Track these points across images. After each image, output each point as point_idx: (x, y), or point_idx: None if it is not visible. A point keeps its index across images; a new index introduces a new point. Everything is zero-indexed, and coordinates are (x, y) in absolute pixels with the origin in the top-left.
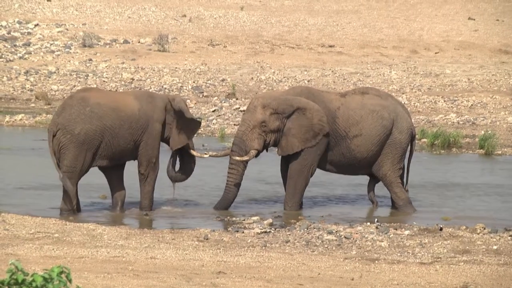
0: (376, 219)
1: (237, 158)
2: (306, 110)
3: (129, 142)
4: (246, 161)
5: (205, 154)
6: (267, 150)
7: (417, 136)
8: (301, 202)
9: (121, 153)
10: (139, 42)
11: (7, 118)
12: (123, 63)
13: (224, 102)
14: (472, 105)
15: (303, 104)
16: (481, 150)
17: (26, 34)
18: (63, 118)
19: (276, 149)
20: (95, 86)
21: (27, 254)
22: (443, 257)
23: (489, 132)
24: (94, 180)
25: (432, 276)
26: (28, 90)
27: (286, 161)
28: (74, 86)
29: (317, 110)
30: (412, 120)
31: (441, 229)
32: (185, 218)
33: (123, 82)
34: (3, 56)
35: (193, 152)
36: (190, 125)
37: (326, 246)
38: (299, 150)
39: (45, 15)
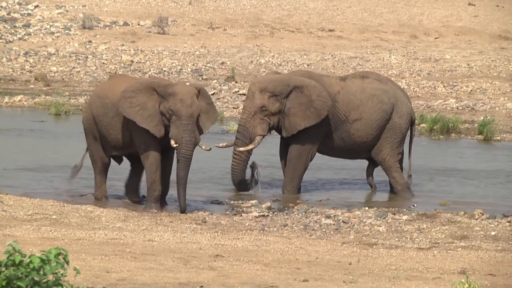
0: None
1: (241, 149)
2: (303, 88)
3: (119, 130)
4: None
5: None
6: (270, 132)
7: (416, 121)
8: (299, 186)
9: (117, 141)
10: (138, 24)
11: (6, 99)
12: (122, 45)
13: (224, 85)
14: (471, 90)
15: (299, 82)
16: (480, 135)
17: (26, 15)
18: None
19: (275, 132)
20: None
21: (24, 236)
22: (441, 242)
23: (488, 117)
24: None
25: (430, 262)
26: (28, 71)
27: (286, 144)
28: (73, 67)
29: (314, 86)
30: (412, 105)
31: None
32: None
33: (122, 64)
34: (2, 37)
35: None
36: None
37: (324, 230)
38: (302, 129)
39: None
